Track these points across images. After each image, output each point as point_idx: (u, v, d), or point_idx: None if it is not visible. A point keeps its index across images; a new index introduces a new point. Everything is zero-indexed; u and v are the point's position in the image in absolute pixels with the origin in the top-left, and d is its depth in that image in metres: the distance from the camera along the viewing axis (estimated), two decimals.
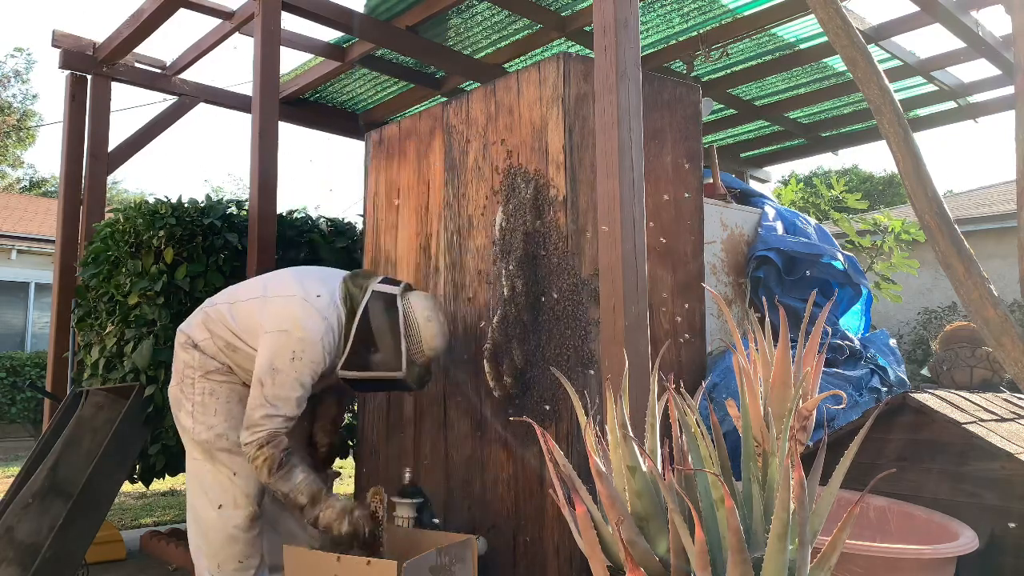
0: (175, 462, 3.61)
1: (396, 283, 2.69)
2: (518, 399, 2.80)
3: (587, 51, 4.46)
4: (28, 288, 12.49)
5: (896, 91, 2.74)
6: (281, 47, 3.79)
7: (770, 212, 3.99)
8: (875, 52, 4.39)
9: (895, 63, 4.67)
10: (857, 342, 3.64)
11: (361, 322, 2.56)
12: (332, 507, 2.41)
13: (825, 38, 4.01)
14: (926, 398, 2.57)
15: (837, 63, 4.84)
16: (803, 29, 4.44)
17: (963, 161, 59.42)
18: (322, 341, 2.50)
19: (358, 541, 2.38)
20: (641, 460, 1.54)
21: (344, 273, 2.74)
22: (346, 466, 5.42)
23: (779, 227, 3.90)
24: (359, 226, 4.45)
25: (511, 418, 2.77)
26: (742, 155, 6.60)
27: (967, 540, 1.99)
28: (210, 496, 2.58)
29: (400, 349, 2.57)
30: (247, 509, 2.58)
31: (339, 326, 2.57)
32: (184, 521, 3.02)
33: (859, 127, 6.04)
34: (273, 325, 2.51)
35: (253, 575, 2.62)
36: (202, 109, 5.32)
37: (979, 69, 4.81)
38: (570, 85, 2.76)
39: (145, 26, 4.27)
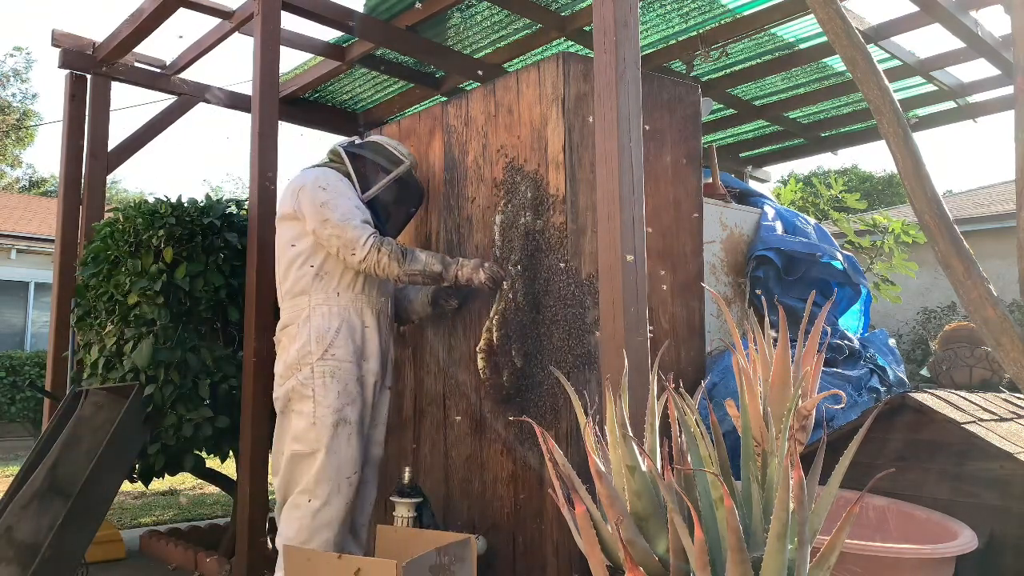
0: (175, 461, 3.60)
1: None
2: (518, 398, 2.80)
3: (587, 51, 4.46)
4: (28, 288, 12.48)
5: (896, 91, 2.74)
6: (281, 47, 3.79)
7: (770, 212, 3.99)
8: (875, 52, 4.38)
9: (895, 63, 4.66)
10: (856, 342, 3.64)
11: (349, 157, 2.98)
12: (465, 265, 2.80)
13: (825, 38, 4.01)
14: (925, 398, 2.57)
15: (837, 63, 4.84)
16: (803, 29, 4.44)
17: (962, 161, 59.44)
18: (326, 171, 2.90)
19: (495, 285, 2.78)
20: (640, 460, 1.54)
21: None
22: None
23: (779, 227, 3.90)
24: None
25: (511, 418, 2.77)
26: (742, 155, 6.59)
27: (967, 540, 1.99)
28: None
29: (388, 151, 3.03)
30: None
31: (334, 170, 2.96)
32: (184, 521, 3.03)
33: (859, 127, 6.04)
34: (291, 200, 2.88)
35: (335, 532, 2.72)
36: (202, 109, 5.31)
37: (979, 69, 4.81)
38: (570, 85, 2.76)
39: (144, 26, 4.26)
